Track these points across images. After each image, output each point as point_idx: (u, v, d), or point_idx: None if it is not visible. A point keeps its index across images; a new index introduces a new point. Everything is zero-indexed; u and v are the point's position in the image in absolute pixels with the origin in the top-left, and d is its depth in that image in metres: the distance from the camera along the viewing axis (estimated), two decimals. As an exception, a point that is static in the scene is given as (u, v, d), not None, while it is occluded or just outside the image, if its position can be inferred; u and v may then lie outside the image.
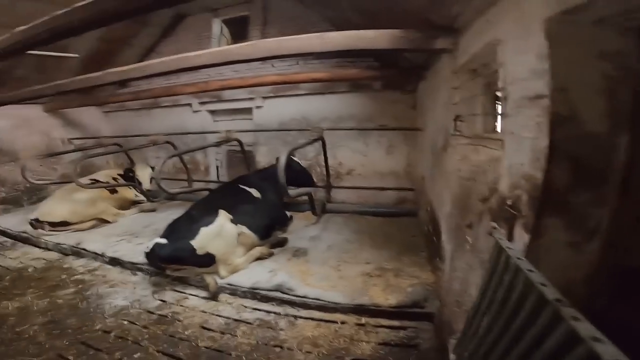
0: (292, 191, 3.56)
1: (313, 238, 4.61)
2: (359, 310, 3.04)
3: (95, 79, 4.08)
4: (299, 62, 6.06)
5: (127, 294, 3.62)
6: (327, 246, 4.33)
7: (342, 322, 2.97)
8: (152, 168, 6.18)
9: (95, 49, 6.41)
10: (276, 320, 3.10)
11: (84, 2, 2.01)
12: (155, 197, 5.90)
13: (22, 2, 4.63)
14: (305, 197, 4.72)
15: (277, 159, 4.59)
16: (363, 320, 2.97)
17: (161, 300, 3.47)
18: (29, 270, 4.27)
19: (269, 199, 4.43)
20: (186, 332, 2.92)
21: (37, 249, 5.01)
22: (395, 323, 2.91)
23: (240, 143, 5.42)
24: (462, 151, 2.31)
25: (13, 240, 5.40)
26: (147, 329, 2.99)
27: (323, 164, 5.52)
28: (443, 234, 2.83)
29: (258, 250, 4.00)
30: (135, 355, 2.65)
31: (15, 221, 5.83)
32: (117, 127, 8.25)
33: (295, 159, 4.91)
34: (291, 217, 4.88)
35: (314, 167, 6.09)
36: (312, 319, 3.06)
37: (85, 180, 5.72)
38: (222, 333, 2.92)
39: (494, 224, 1.62)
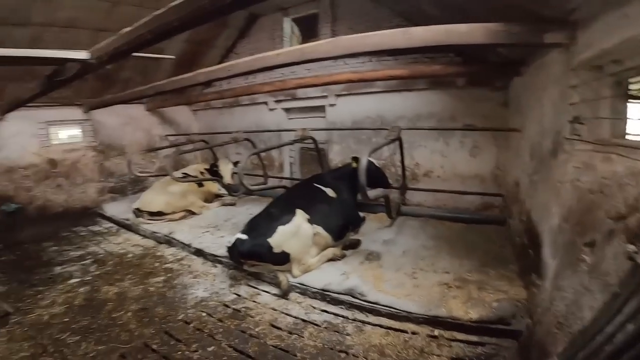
0: (371, 193, 3.44)
1: (387, 242, 4.43)
2: (433, 321, 2.87)
3: (187, 79, 4.41)
4: (372, 59, 5.87)
5: (207, 286, 3.86)
6: (402, 251, 4.13)
7: (413, 333, 2.82)
8: (234, 164, 6.56)
9: (183, 51, 7.01)
10: (344, 324, 3.05)
11: (179, 0, 2.09)
12: (235, 191, 6.28)
13: (120, 6, 5.20)
14: (380, 198, 4.56)
15: (352, 158, 4.53)
16: (436, 332, 2.80)
17: (236, 294, 3.64)
18: (129, 256, 4.80)
19: (343, 198, 4.36)
20: (256, 329, 3.02)
21: (136, 235, 5.67)
22: (473, 338, 2.70)
23: (315, 141, 5.44)
24: (583, 158, 1.96)
25: (117, 227, 6.21)
26: (222, 322, 3.16)
27: (398, 164, 5.29)
28: (545, 248, 2.52)
29: (331, 251, 3.96)
30: (209, 349, 2.80)
31: (121, 209, 6.71)
32: (204, 124, 9.01)
33: (370, 158, 4.77)
34: (364, 218, 4.75)
35: (388, 167, 5.87)
36: (381, 326, 2.96)
37: (178, 174, 6.30)
38: (290, 333, 2.95)
39: (633, 247, 1.32)
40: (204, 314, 3.29)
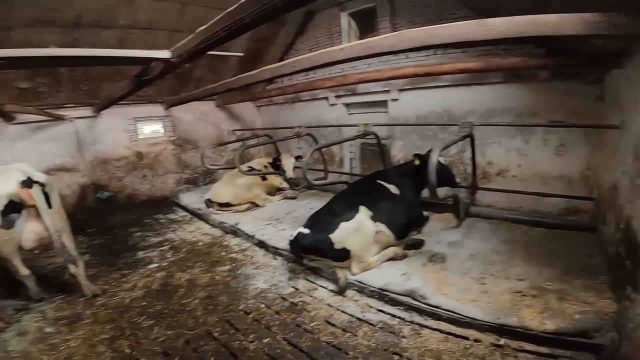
0: (439, 192, 3.26)
1: (453, 243, 4.18)
2: (499, 330, 2.67)
3: (254, 75, 4.56)
4: (437, 52, 5.50)
5: (267, 277, 3.99)
6: (469, 255, 3.88)
7: (476, 340, 2.65)
8: (296, 158, 6.70)
9: (246, 49, 7.31)
10: (400, 326, 2.96)
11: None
12: (296, 185, 6.42)
13: (190, 6, 5.52)
14: (449, 198, 4.32)
15: (414, 155, 4.34)
16: (502, 341, 2.60)
17: (294, 288, 3.70)
18: (199, 244, 5.14)
19: (407, 196, 4.20)
20: (311, 324, 3.04)
21: (206, 225, 6.08)
22: (544, 350, 2.48)
23: (377, 137, 5.30)
24: None
25: (191, 215, 6.73)
26: (279, 315, 3.23)
27: (467, 161, 4.93)
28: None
29: (392, 251, 3.85)
30: (265, 340, 2.88)
31: (194, 199, 7.29)
32: (267, 119, 9.35)
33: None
34: (428, 217, 4.53)
35: (455, 165, 5.50)
36: (440, 331, 2.84)
37: (244, 167, 6.61)
38: (344, 330, 2.93)
39: None
40: (262, 306, 3.41)
